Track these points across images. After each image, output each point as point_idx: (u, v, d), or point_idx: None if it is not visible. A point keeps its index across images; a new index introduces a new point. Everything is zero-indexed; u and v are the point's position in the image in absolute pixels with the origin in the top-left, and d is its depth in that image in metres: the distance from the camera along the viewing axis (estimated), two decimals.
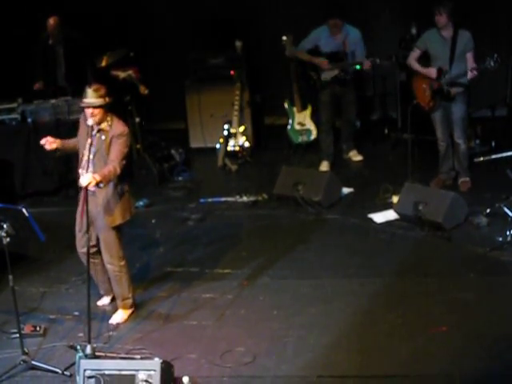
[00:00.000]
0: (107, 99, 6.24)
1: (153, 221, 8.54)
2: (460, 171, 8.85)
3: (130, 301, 6.67)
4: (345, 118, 10.08)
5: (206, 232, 8.24)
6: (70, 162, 8.81)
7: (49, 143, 6.37)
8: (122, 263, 6.58)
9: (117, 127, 6.30)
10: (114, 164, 6.16)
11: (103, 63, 10.06)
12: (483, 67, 8.15)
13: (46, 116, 9.48)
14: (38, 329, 6.41)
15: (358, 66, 9.68)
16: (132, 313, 6.66)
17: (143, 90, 9.87)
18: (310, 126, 10.47)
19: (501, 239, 7.46)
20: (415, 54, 8.71)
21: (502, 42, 10.52)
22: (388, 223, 8.15)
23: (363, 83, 11.11)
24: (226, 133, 10.25)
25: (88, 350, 5.60)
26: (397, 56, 9.90)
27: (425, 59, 8.70)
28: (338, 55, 9.62)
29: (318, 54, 9.68)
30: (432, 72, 8.49)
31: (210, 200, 9.00)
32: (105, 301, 6.89)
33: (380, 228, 8.09)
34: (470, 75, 8.30)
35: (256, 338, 6.16)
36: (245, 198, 8.99)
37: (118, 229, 6.48)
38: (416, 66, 8.69)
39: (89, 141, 6.25)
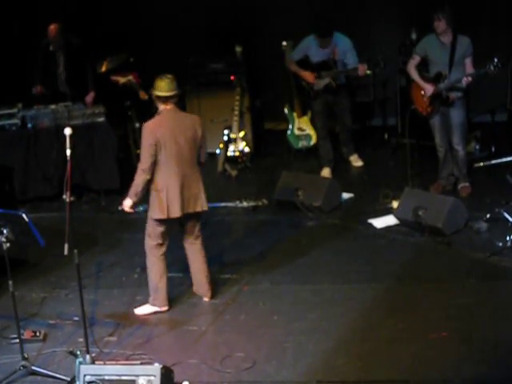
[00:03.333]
0: (153, 92, 6.55)
1: None
2: (459, 177, 8.84)
3: (150, 298, 6.79)
4: (341, 125, 10.09)
5: (206, 237, 8.18)
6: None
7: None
8: (149, 259, 6.76)
9: None
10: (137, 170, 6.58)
11: (103, 68, 10.07)
12: (483, 72, 8.14)
13: (46, 121, 9.47)
14: (37, 334, 6.41)
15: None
16: (153, 312, 6.77)
17: (143, 96, 9.87)
18: (310, 131, 10.47)
19: (501, 244, 7.46)
20: (414, 61, 8.69)
21: (500, 46, 10.52)
22: (388, 228, 8.15)
23: (363, 89, 11.12)
24: (225, 138, 10.25)
25: (87, 360, 5.60)
26: (384, 64, 9.89)
27: (423, 65, 8.70)
28: (327, 64, 9.59)
29: (308, 64, 9.68)
30: (428, 89, 8.48)
31: (209, 205, 8.97)
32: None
33: (380, 233, 8.09)
34: (464, 81, 8.27)
35: (256, 344, 6.16)
36: (245, 204, 8.99)
37: (151, 223, 6.68)
38: (415, 76, 8.67)
39: None
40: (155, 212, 6.56)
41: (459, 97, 8.51)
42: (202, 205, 6.72)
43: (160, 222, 6.61)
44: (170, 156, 6.48)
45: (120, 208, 6.75)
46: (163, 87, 6.46)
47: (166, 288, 6.78)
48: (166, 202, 6.51)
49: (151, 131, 6.45)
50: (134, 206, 6.63)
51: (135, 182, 6.55)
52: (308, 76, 9.66)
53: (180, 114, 6.67)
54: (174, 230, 6.79)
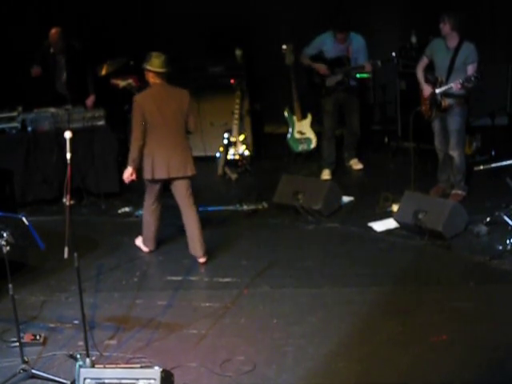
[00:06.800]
0: (146, 66, 7.31)
1: None
2: (454, 183, 8.80)
3: (142, 237, 7.99)
4: (348, 127, 10.09)
5: (206, 241, 8.21)
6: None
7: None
8: (144, 213, 7.82)
9: None
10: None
11: (103, 72, 10.07)
12: (464, 80, 8.14)
13: (46, 125, 9.47)
14: (37, 337, 6.39)
15: (365, 75, 9.70)
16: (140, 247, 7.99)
17: None
18: (310, 134, 10.48)
19: (501, 248, 7.47)
20: (423, 62, 8.68)
21: (500, 50, 10.53)
22: (388, 232, 8.16)
23: (364, 92, 11.12)
24: (225, 141, 10.25)
25: (87, 363, 5.59)
26: (397, 58, 9.90)
27: (431, 68, 8.69)
28: (340, 60, 9.65)
29: (322, 60, 9.71)
30: (426, 89, 8.50)
31: (209, 208, 9.00)
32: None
33: (380, 237, 8.09)
34: (454, 87, 8.23)
35: (256, 347, 6.15)
36: (245, 207, 9.00)
37: (146, 183, 7.61)
38: (418, 76, 8.68)
39: None
40: (144, 173, 7.45)
41: (456, 103, 8.47)
42: (189, 169, 7.46)
43: (151, 182, 7.50)
44: (157, 126, 7.29)
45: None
46: (158, 64, 7.26)
47: (152, 236, 7.84)
48: (152, 165, 7.35)
49: (138, 103, 7.32)
50: (133, 173, 7.47)
51: (130, 149, 7.45)
52: (321, 68, 9.67)
53: (167, 87, 7.40)
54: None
